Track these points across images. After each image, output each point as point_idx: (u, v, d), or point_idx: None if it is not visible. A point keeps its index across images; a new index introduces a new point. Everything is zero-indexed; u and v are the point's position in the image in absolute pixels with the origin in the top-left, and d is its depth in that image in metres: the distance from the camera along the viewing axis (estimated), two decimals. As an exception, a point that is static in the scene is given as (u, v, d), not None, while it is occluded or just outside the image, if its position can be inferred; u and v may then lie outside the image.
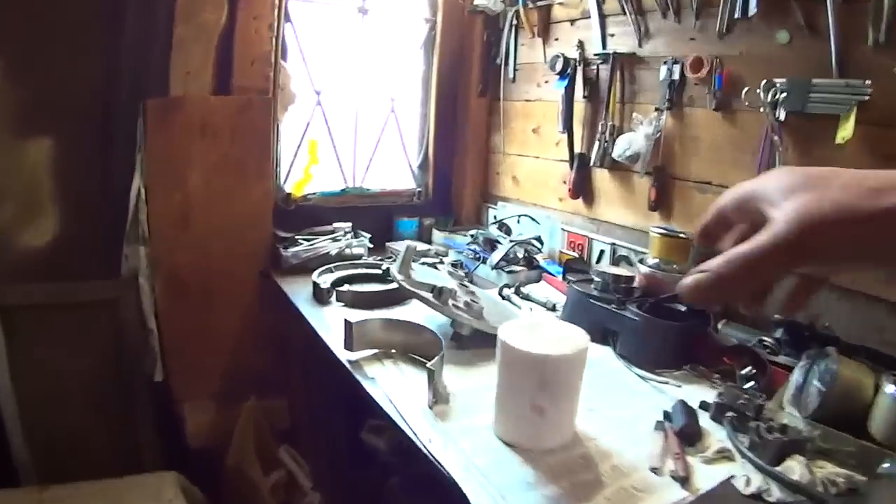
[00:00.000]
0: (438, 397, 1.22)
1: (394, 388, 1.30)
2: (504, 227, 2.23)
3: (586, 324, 1.26)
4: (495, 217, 2.38)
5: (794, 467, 1.02)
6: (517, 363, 1.06)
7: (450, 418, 1.19)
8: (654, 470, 1.04)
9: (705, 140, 1.73)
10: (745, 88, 1.54)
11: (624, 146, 1.84)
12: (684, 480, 1.01)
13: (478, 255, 2.07)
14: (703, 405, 1.24)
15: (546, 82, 2.20)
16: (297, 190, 2.24)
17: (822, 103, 1.41)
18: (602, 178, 2.03)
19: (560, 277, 1.94)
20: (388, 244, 2.29)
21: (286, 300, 1.83)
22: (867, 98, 1.33)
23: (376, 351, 1.45)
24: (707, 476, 1.04)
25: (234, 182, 1.99)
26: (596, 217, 2.07)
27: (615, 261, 1.95)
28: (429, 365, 1.21)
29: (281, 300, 1.88)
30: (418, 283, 1.58)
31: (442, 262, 2.08)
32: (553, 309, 1.77)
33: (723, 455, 1.10)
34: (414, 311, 1.65)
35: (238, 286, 2.06)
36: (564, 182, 2.14)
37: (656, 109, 1.80)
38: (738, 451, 1.10)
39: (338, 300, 1.76)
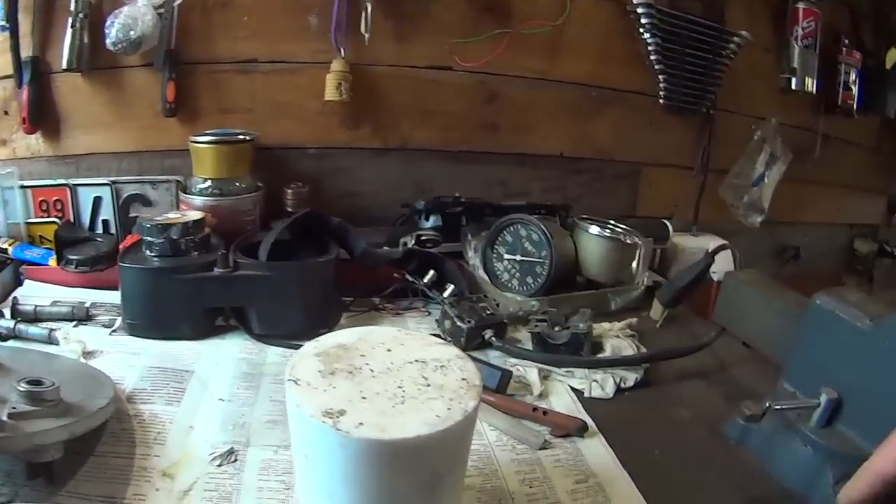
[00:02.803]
0: None
1: None
2: None
3: (187, 314, 0.95)
4: None
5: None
6: (377, 466, 0.48)
7: None
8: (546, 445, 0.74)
9: (243, 6, 1.23)
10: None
11: (124, 28, 1.12)
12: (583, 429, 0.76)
13: None
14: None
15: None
16: None
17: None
18: (74, 90, 1.24)
19: (53, 262, 1.18)
20: None
21: None
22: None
23: None
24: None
25: None
26: (70, 152, 1.28)
27: (123, 205, 1.26)
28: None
29: None
30: None
31: None
32: (87, 317, 1.02)
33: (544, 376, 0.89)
34: None
35: None
36: (7, 112, 1.25)
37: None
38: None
39: None
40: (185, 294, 0.94)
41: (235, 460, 0.70)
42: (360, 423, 0.46)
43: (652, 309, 1.08)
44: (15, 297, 1.05)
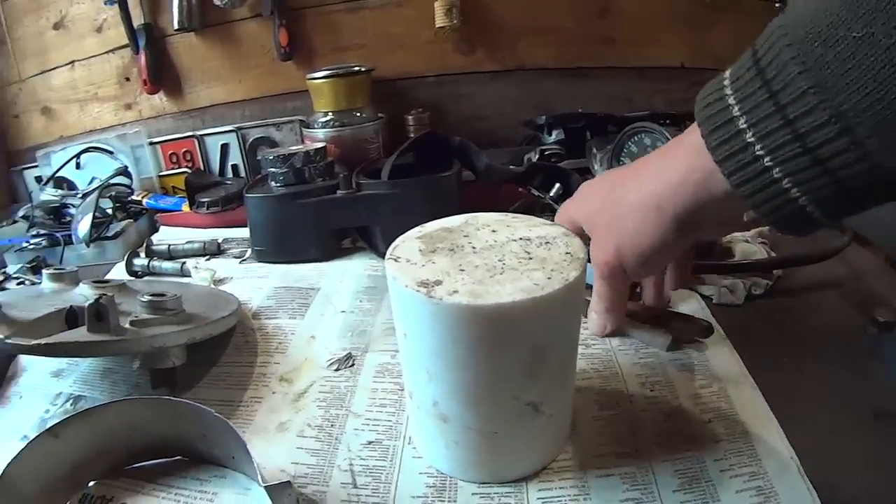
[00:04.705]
0: None
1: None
2: (64, 183, 1.30)
3: (313, 237, 0.95)
4: (39, 178, 1.37)
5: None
6: (473, 337, 0.45)
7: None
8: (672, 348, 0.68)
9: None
10: None
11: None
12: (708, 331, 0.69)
13: (54, 238, 1.11)
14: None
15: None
16: None
17: None
18: (189, 49, 1.30)
19: (186, 208, 1.22)
20: None
21: None
22: None
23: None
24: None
25: None
26: (194, 106, 1.34)
27: (250, 149, 1.29)
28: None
29: None
30: (31, 324, 0.61)
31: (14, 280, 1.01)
32: (218, 251, 1.06)
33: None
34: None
35: None
36: (129, 79, 1.34)
37: None
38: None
39: None
40: (309, 217, 0.94)
41: (353, 365, 0.69)
42: (455, 292, 0.43)
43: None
44: (149, 239, 1.09)
